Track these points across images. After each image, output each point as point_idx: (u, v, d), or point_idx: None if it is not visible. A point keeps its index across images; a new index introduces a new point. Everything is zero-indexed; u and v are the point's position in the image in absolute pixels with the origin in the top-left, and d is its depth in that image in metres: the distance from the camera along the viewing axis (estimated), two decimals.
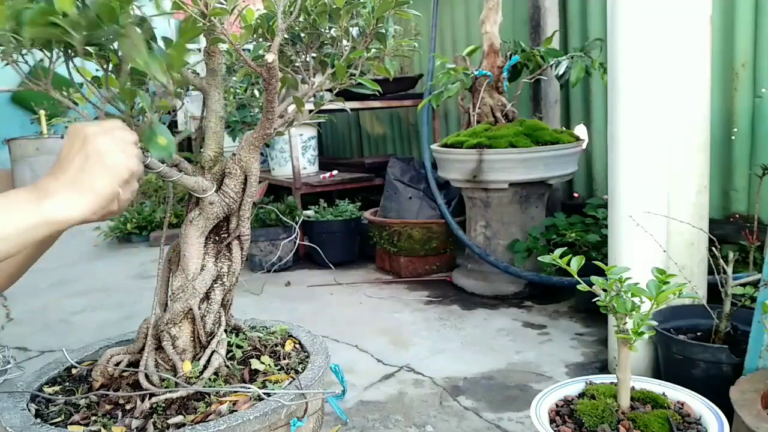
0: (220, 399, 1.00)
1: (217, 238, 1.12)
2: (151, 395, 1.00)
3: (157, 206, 4.53)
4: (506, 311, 2.56)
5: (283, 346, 1.21)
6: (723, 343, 1.55)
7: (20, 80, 0.78)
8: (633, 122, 1.72)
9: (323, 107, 1.21)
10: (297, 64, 1.21)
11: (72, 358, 1.16)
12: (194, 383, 1.02)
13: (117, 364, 1.09)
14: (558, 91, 3.10)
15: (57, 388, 1.10)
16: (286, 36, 1.13)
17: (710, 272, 1.82)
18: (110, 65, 0.92)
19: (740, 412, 1.14)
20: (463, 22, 3.71)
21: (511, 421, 1.67)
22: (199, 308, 1.08)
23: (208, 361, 1.07)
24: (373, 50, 1.13)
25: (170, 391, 1.00)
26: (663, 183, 1.73)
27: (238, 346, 1.17)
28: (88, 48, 0.83)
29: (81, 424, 0.97)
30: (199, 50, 1.10)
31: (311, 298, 2.90)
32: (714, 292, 1.72)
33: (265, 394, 0.99)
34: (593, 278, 1.09)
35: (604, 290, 1.06)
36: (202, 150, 1.10)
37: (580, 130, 3.06)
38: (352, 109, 3.77)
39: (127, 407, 1.01)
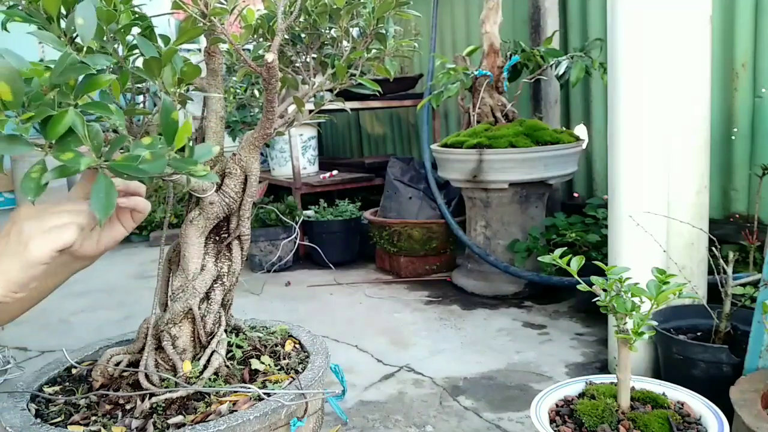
0: (220, 399, 1.00)
1: (217, 238, 1.12)
2: (151, 395, 1.00)
3: (157, 206, 4.53)
4: (506, 311, 2.56)
5: (283, 346, 1.21)
6: (723, 343, 1.56)
7: None
8: (633, 122, 1.72)
9: (323, 107, 1.20)
10: (297, 65, 1.21)
11: (72, 358, 1.16)
12: (194, 383, 1.02)
13: (117, 364, 1.09)
14: (558, 91, 3.10)
15: (57, 388, 1.09)
16: (286, 36, 1.13)
17: (710, 272, 1.82)
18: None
19: (740, 412, 1.14)
20: (463, 22, 3.71)
21: (511, 421, 1.67)
22: (199, 308, 1.08)
23: (208, 361, 1.07)
24: (374, 50, 1.13)
25: (170, 391, 1.00)
26: (663, 183, 1.73)
27: (238, 346, 1.17)
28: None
29: (81, 424, 0.97)
30: (199, 50, 1.09)
31: (311, 298, 2.90)
32: (714, 292, 1.72)
33: (265, 394, 0.99)
34: (593, 278, 1.09)
35: (604, 290, 1.06)
36: None
37: (580, 130, 3.06)
38: (352, 109, 3.76)
39: (127, 407, 1.01)
